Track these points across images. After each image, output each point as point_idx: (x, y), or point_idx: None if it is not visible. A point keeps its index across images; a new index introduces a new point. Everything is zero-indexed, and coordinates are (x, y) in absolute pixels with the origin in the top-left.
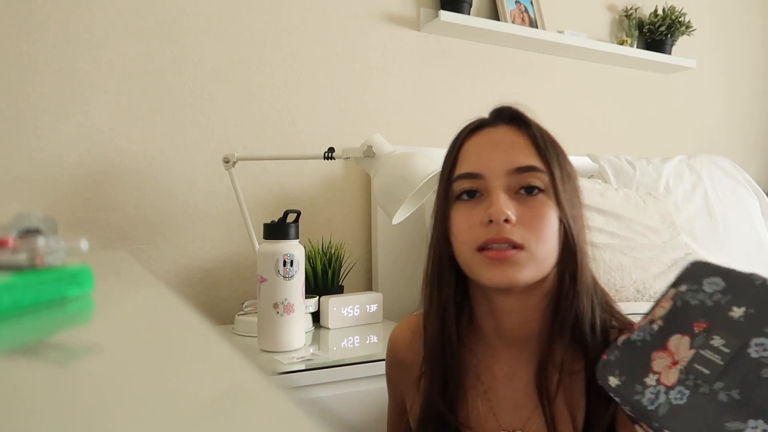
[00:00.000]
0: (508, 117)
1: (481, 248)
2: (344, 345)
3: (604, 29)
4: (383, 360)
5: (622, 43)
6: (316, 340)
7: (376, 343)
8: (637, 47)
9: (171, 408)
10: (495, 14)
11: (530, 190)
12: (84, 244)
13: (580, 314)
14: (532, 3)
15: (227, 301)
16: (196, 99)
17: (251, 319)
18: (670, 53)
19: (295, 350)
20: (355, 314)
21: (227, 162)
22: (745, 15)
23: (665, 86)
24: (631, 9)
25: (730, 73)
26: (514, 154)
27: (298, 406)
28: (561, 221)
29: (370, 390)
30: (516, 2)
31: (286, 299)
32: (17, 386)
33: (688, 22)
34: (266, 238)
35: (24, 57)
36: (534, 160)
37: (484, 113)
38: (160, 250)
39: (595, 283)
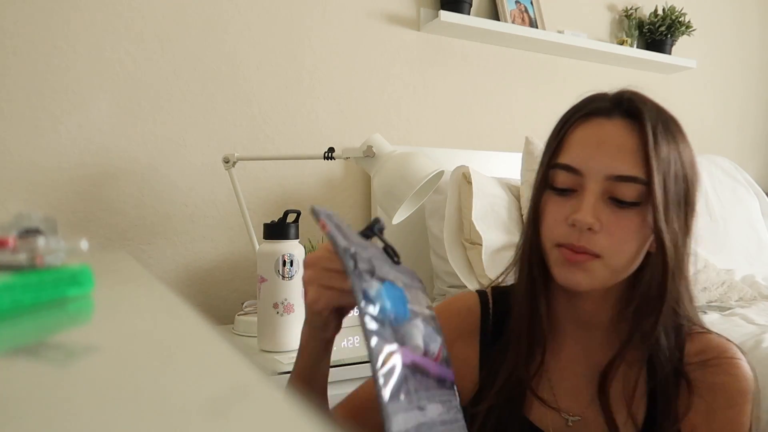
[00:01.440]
0: (625, 109)
1: (560, 244)
2: (344, 345)
3: (604, 29)
4: None
5: (622, 43)
6: None
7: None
8: (637, 47)
9: (171, 408)
10: (495, 14)
11: (624, 201)
12: (84, 244)
13: (660, 325)
14: (532, 3)
15: (227, 301)
16: (196, 99)
17: (251, 319)
18: (670, 53)
19: (295, 350)
20: (355, 314)
21: (227, 162)
22: (745, 15)
23: (665, 86)
24: (631, 9)
25: (730, 73)
26: (618, 158)
27: (298, 406)
28: (654, 233)
29: None
30: (516, 2)
31: (286, 299)
32: (17, 386)
33: (688, 22)
34: (266, 238)
35: (24, 57)
36: (636, 170)
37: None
38: (160, 250)
39: (686, 290)
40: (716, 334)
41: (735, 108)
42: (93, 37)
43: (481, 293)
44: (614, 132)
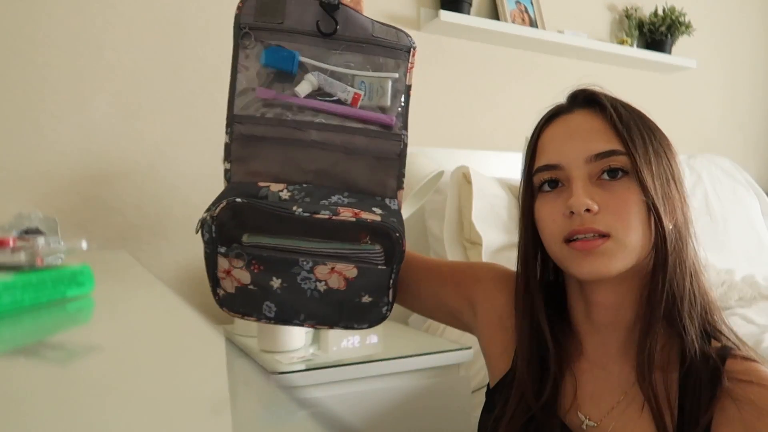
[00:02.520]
0: (583, 101)
1: (568, 239)
2: (344, 345)
3: (604, 29)
4: (383, 360)
5: (622, 43)
6: (315, 340)
7: (375, 344)
8: (637, 47)
9: (171, 407)
10: (495, 14)
11: (613, 173)
12: (84, 244)
13: (677, 300)
14: (532, 3)
15: None
16: (196, 99)
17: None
18: (670, 53)
19: (294, 350)
20: None
21: None
22: (745, 15)
23: (665, 86)
24: (631, 9)
25: (730, 72)
26: (591, 140)
27: (297, 406)
28: (648, 204)
29: (370, 390)
30: (516, 2)
31: None
32: (17, 386)
33: (688, 22)
34: None
35: (24, 57)
36: (613, 144)
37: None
38: (161, 250)
39: (697, 272)
40: (759, 362)
41: (735, 108)
42: (93, 37)
43: None
44: (579, 120)
